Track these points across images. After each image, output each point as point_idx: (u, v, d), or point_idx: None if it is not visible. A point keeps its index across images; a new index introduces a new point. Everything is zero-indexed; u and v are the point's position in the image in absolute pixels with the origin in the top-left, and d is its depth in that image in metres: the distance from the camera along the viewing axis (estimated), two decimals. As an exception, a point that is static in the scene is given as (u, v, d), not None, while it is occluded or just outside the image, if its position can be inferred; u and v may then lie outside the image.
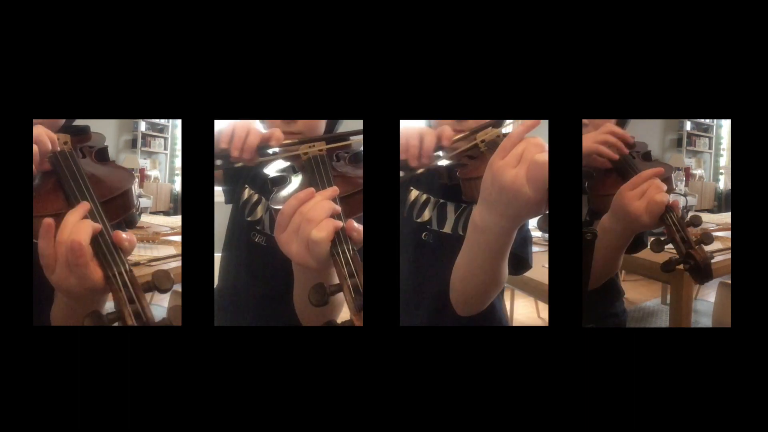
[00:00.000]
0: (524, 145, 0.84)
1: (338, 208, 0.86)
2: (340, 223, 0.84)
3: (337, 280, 0.84)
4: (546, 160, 0.81)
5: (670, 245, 1.04)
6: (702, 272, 1.03)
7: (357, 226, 0.86)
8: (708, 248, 1.04)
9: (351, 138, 1.07)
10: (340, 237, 0.83)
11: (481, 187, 0.88)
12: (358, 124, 1.14)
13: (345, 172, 1.03)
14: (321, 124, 1.11)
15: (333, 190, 0.89)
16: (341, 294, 0.84)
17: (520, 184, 0.82)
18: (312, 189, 0.87)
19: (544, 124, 1.15)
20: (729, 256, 1.17)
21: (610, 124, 1.15)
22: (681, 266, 1.04)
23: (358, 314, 0.81)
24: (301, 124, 1.09)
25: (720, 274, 1.21)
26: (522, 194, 0.83)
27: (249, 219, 1.10)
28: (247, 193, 1.11)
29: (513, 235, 0.90)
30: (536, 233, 1.10)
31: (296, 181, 0.99)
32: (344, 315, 0.87)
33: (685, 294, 1.22)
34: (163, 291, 0.83)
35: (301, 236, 0.83)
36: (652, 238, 1.07)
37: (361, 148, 1.09)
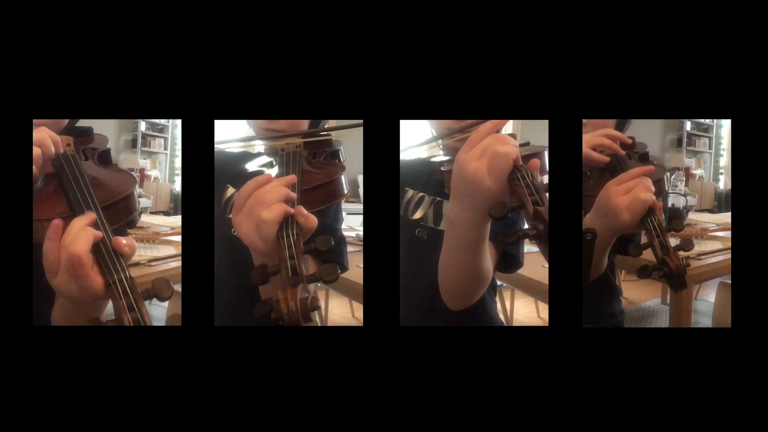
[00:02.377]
0: (489, 140, 0.87)
1: (293, 194, 0.89)
2: (291, 210, 0.87)
3: None
4: (507, 151, 0.84)
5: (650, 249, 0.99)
6: (675, 280, 0.98)
7: (305, 213, 0.88)
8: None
9: (332, 134, 1.11)
10: (288, 222, 0.86)
11: (451, 181, 0.90)
12: (340, 123, 1.17)
13: (315, 167, 1.06)
14: (304, 122, 1.15)
15: (291, 178, 0.92)
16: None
17: (481, 176, 0.85)
18: (270, 174, 0.90)
19: (541, 124, 1.16)
20: (729, 256, 1.17)
21: (606, 128, 1.15)
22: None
23: (284, 292, 0.82)
24: (283, 121, 1.13)
25: (720, 274, 1.22)
26: (483, 186, 0.85)
27: (230, 216, 1.12)
28: (229, 192, 1.13)
29: (485, 227, 0.92)
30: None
31: (271, 174, 1.01)
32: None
33: (685, 294, 1.21)
34: (163, 299, 0.84)
35: (253, 217, 0.86)
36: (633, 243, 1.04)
37: (341, 147, 1.12)
